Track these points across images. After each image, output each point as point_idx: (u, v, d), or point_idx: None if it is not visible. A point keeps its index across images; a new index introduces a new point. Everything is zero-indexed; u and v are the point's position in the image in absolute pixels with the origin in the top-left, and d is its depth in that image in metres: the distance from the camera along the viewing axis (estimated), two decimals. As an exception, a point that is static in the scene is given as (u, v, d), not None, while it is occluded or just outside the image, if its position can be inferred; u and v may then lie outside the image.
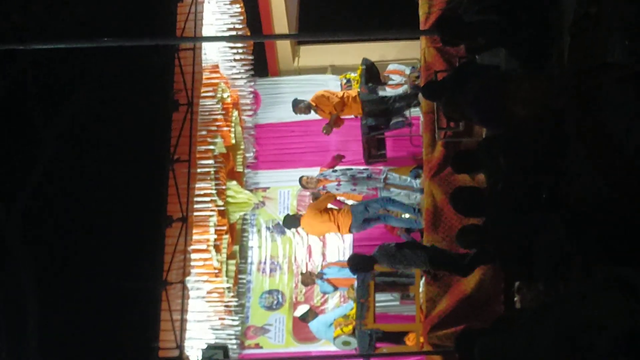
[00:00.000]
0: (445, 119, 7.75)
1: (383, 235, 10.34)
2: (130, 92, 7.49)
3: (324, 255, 10.85)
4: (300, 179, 9.89)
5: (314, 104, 9.77)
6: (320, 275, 9.74)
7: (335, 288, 9.76)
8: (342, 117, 9.92)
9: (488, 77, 6.01)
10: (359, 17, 11.47)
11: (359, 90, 9.85)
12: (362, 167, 9.90)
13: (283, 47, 11.89)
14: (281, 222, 10.50)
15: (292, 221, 9.82)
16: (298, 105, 9.88)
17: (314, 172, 10.22)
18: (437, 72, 7.95)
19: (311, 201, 10.21)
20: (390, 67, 10.36)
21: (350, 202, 9.90)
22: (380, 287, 8.67)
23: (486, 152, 5.62)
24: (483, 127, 7.08)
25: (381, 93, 9.78)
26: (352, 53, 11.30)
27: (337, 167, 9.94)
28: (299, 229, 10.34)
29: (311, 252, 10.92)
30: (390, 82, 10.03)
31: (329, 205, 9.79)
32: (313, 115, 10.01)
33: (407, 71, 10.02)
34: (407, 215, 9.25)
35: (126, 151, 7.38)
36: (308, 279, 9.98)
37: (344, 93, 9.83)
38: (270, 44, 11.69)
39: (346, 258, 10.36)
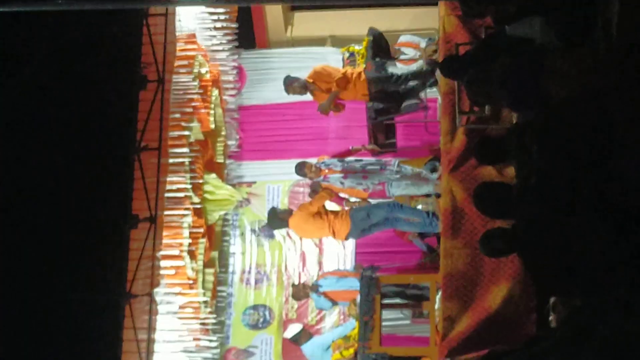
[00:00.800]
0: (468, 102, 7.71)
1: (391, 241, 10.35)
2: (89, 66, 7.45)
3: (320, 264, 10.85)
4: (302, 165, 9.70)
5: (310, 81, 9.71)
6: (315, 288, 9.71)
7: (334, 303, 9.73)
8: (344, 100, 9.86)
9: (520, 51, 5.99)
10: (364, -23, 11.42)
11: (364, 66, 9.81)
12: (373, 159, 9.86)
13: (273, 14, 11.85)
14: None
15: (278, 219, 9.69)
16: (291, 84, 9.81)
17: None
18: (458, 45, 7.90)
19: (307, 198, 10.14)
20: (402, 38, 10.31)
21: (353, 199, 9.86)
22: (389, 302, 8.64)
23: (517, 140, 5.60)
24: (514, 112, 7.05)
25: (391, 70, 9.74)
26: (357, 21, 11.28)
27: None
28: (291, 231, 10.30)
29: (305, 260, 10.90)
30: (402, 57, 9.97)
31: (327, 206, 9.72)
32: (308, 96, 9.95)
33: (423, 44, 9.97)
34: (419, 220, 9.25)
35: (83, 137, 7.33)
36: (301, 292, 9.94)
37: (347, 69, 9.78)
38: (258, 9, 11.64)
39: (347, 267, 10.38)
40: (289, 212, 9.67)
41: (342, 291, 9.53)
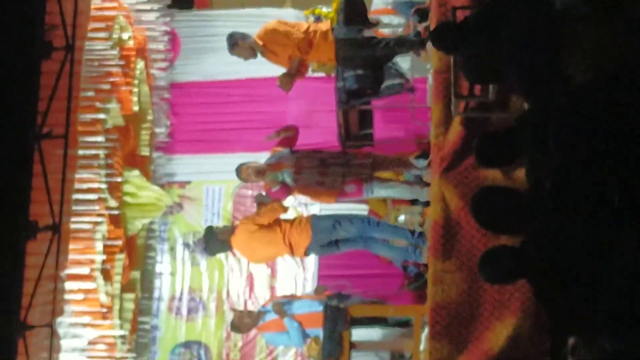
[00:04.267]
0: (466, 83, 7.73)
1: (364, 260, 10.38)
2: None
3: (272, 289, 10.83)
4: (239, 169, 9.69)
5: (260, 44, 9.58)
6: (282, 308, 9.34)
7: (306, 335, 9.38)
8: (305, 60, 9.82)
9: (535, 18, 5.99)
10: None
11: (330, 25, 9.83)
12: (338, 152, 9.86)
13: (217, -36, 11.90)
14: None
15: (217, 241, 9.58)
16: (237, 42, 9.67)
17: (261, 158, 10.14)
18: (455, 8, 7.92)
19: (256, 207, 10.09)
20: (377, 1, 10.39)
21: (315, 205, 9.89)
22: (360, 341, 8.64)
23: (529, 133, 5.59)
24: (524, 96, 7.07)
25: (368, 35, 9.78)
26: (325, -24, 11.31)
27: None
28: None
29: (253, 284, 10.90)
30: (382, 29, 10.02)
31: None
32: (260, 70, 9.89)
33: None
34: (402, 242, 9.26)
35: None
36: (245, 318, 9.53)
37: (309, 26, 9.72)
38: (198, -42, 11.69)
39: (308, 291, 10.33)
40: (230, 231, 9.59)
41: (309, 314, 9.30)
